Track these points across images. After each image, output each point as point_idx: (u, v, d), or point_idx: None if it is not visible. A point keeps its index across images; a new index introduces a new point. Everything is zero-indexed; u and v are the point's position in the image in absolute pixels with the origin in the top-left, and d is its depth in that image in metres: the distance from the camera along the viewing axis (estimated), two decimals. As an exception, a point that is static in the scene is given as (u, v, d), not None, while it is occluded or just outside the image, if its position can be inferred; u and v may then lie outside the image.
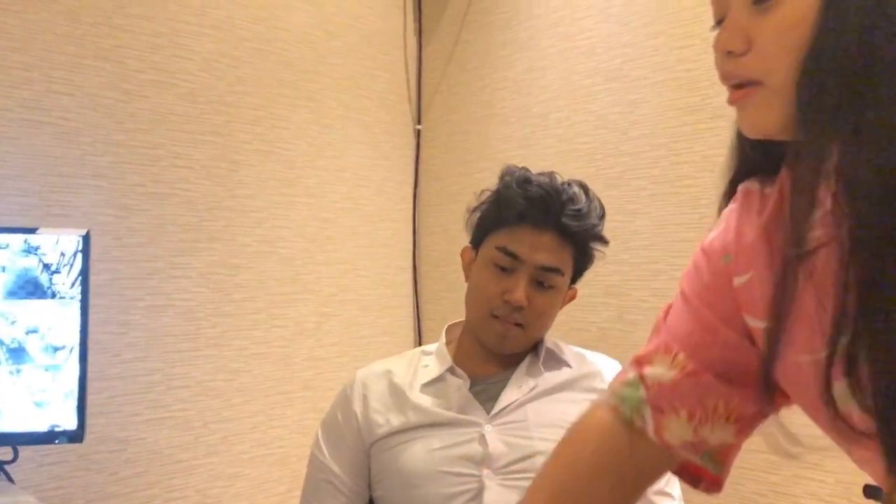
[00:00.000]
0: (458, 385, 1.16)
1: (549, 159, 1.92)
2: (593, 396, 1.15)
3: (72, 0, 1.62)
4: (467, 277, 1.22)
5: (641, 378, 0.71)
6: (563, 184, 1.18)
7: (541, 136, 1.95)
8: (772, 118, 0.61)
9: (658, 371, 0.70)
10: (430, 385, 1.18)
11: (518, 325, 1.15)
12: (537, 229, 1.15)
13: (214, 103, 1.85)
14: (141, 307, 1.71)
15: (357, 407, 1.20)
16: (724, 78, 0.64)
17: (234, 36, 1.89)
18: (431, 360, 1.22)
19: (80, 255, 1.23)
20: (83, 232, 1.25)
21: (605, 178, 1.80)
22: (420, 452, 1.12)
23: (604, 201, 1.21)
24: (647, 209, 1.75)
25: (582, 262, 1.20)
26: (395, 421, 1.15)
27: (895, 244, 0.54)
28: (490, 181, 1.22)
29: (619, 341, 1.78)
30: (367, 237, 2.18)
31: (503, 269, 1.15)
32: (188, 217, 1.80)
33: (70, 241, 1.24)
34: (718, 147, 1.58)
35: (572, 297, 1.23)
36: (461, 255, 1.25)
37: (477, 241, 1.22)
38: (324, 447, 1.21)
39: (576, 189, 1.18)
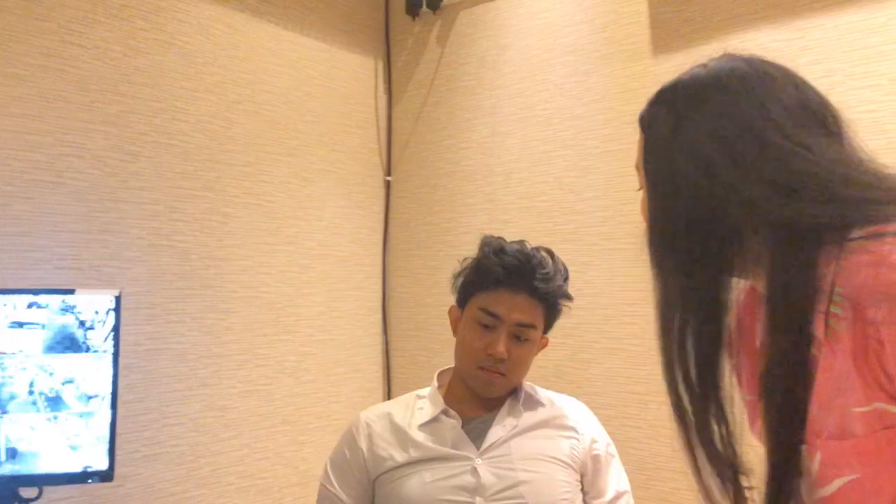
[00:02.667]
0: (452, 425, 1.36)
1: (511, 214, 2.16)
2: (564, 433, 1.38)
3: (82, 70, 1.77)
4: (455, 333, 1.43)
5: None
6: (532, 250, 1.40)
7: (503, 193, 2.18)
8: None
9: None
10: (427, 425, 1.38)
11: (501, 374, 1.36)
12: (513, 291, 1.36)
13: (207, 161, 2.01)
14: (140, 351, 1.84)
15: (363, 444, 1.38)
16: None
17: (226, 98, 2.06)
18: (426, 402, 1.42)
19: (112, 314, 1.38)
20: (116, 293, 1.40)
21: (562, 234, 2.05)
22: (420, 483, 1.31)
23: (559, 254, 1.42)
24: (598, 262, 1.99)
25: (552, 315, 1.42)
26: (399, 457, 1.34)
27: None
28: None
29: (572, 378, 2.02)
30: (341, 281, 2.36)
31: (486, 327, 1.36)
32: (183, 266, 1.95)
33: (104, 300, 1.39)
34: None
35: (545, 345, 1.45)
36: (448, 314, 1.45)
37: (462, 302, 1.42)
38: (333, 479, 1.39)
39: (543, 255, 1.40)
